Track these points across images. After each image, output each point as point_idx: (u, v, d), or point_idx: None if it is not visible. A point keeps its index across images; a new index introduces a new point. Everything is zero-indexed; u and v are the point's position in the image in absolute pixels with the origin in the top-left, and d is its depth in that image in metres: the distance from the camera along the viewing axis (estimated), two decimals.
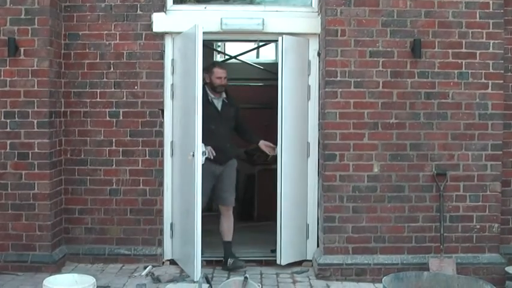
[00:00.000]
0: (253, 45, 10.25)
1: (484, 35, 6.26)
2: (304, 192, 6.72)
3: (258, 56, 11.38)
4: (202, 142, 6.06)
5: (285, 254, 6.53)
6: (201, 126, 6.02)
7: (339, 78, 6.23)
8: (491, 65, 6.26)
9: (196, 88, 5.96)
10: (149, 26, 6.56)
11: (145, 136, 6.60)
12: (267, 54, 11.43)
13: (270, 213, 7.67)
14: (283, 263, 6.52)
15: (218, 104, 6.68)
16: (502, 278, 6.13)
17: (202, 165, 6.06)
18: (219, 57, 11.20)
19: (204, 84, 6.34)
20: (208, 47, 10.33)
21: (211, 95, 6.62)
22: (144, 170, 6.62)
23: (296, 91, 6.59)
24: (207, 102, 6.40)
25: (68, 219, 6.64)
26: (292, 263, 6.59)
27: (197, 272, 5.99)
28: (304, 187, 6.72)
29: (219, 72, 6.63)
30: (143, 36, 6.57)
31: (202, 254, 6.11)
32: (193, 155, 6.00)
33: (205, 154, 6.10)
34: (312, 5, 6.77)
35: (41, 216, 6.26)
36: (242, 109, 7.11)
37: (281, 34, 6.52)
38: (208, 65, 6.67)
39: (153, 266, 6.50)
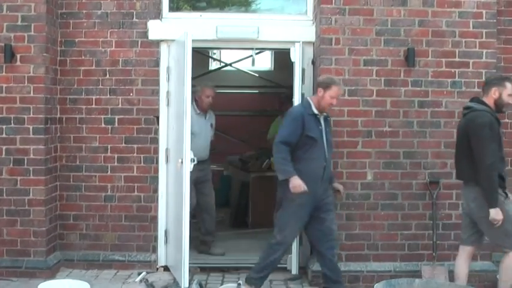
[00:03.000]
0: (249, 52, 10.30)
1: (477, 44, 6.32)
2: None
3: (253, 64, 11.45)
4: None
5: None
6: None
7: None
8: (484, 74, 6.31)
9: (185, 95, 5.94)
10: (145, 34, 6.58)
11: (141, 143, 6.61)
12: (263, 62, 11.47)
13: (264, 220, 7.70)
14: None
15: None
16: (494, 285, 6.13)
17: None
18: (214, 65, 11.24)
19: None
20: (204, 54, 10.40)
21: None
22: (139, 177, 6.62)
23: None
24: None
25: (63, 225, 6.64)
26: (285, 270, 6.59)
27: (185, 279, 5.97)
28: None
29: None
30: (139, 44, 6.58)
31: (196, 261, 6.08)
32: (181, 162, 6.00)
33: (194, 161, 6.03)
34: (306, 14, 6.80)
35: (35, 222, 6.27)
36: (238, 116, 7.08)
37: (276, 42, 6.55)
38: (499, 79, 5.48)
39: (147, 273, 6.49)
